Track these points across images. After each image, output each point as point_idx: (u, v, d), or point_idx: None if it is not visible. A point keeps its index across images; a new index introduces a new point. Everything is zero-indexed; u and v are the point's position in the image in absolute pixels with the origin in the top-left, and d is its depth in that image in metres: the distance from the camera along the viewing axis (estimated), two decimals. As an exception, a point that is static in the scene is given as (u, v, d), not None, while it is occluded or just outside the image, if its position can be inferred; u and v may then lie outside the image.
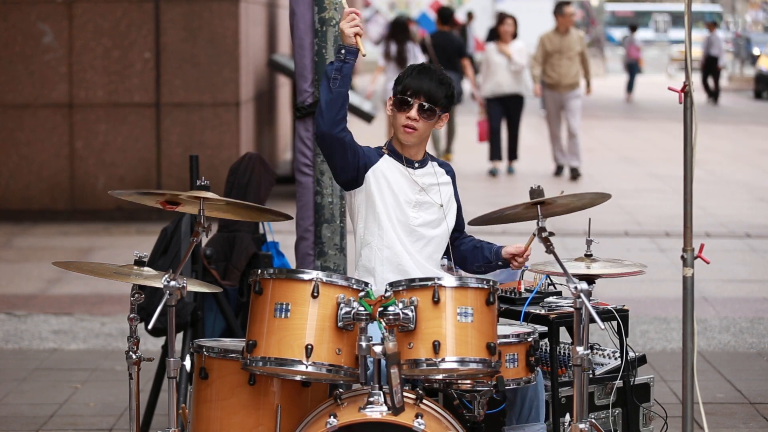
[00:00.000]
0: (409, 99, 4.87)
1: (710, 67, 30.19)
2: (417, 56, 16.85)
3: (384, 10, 36.23)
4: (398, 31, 17.15)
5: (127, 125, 12.52)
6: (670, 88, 5.18)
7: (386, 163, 4.93)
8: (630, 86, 31.35)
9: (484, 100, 16.22)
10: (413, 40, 17.68)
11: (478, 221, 4.85)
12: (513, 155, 16.50)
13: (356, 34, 4.72)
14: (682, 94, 5.03)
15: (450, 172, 5.12)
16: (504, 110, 16.11)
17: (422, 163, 5.00)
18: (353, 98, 14.75)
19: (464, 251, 5.10)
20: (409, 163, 4.97)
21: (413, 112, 4.87)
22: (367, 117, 14.76)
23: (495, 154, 16.37)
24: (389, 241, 4.87)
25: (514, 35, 15.88)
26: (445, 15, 18.15)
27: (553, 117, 16.09)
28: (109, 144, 12.51)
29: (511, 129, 16.27)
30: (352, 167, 4.84)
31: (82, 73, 12.45)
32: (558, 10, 15.99)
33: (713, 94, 30.13)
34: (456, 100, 17.39)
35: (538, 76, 15.90)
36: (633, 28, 34.60)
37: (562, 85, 15.67)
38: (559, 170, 16.19)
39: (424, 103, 4.87)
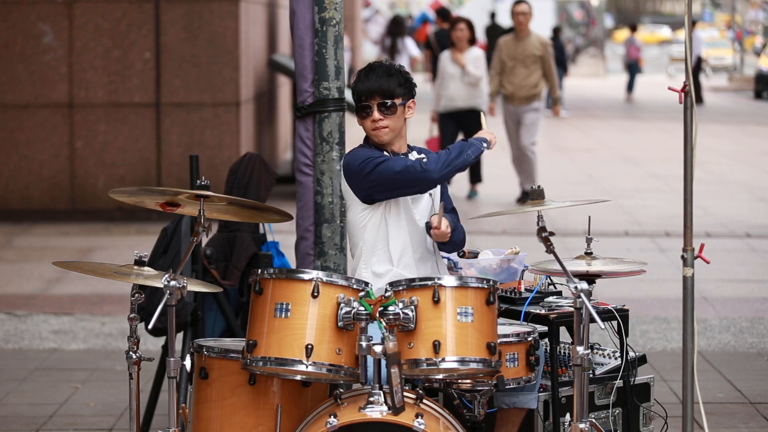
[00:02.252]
0: (366, 104, 4.84)
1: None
2: (410, 49, 17.52)
3: (384, 10, 36.32)
4: (394, 26, 18.83)
5: (127, 125, 12.52)
6: (670, 88, 5.18)
7: None
8: (630, 86, 31.36)
9: (436, 114, 13.77)
10: (414, 38, 18.68)
11: (477, 216, 4.87)
12: (475, 177, 14.10)
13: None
14: (682, 94, 5.03)
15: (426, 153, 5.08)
16: (458, 127, 13.57)
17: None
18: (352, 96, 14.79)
19: None
20: None
21: (375, 114, 4.82)
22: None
23: None
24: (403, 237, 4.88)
25: (471, 41, 13.55)
26: (444, 14, 19.44)
27: (512, 135, 13.65)
28: (109, 144, 12.51)
29: None
30: None
31: (82, 73, 12.45)
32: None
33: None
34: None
35: (495, 91, 13.62)
36: (633, 28, 34.63)
37: (517, 97, 13.40)
38: (524, 196, 13.55)
39: (382, 101, 4.83)
